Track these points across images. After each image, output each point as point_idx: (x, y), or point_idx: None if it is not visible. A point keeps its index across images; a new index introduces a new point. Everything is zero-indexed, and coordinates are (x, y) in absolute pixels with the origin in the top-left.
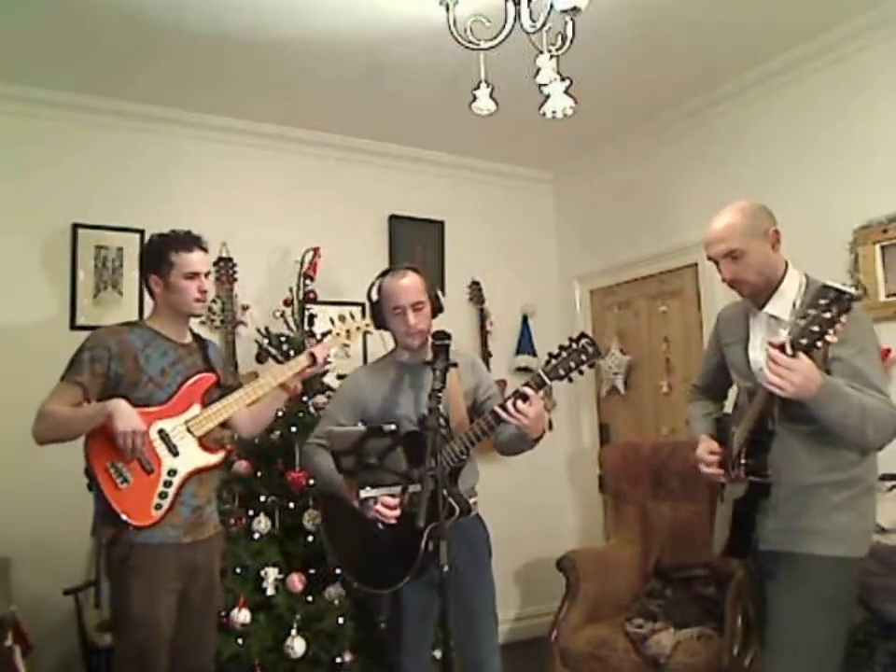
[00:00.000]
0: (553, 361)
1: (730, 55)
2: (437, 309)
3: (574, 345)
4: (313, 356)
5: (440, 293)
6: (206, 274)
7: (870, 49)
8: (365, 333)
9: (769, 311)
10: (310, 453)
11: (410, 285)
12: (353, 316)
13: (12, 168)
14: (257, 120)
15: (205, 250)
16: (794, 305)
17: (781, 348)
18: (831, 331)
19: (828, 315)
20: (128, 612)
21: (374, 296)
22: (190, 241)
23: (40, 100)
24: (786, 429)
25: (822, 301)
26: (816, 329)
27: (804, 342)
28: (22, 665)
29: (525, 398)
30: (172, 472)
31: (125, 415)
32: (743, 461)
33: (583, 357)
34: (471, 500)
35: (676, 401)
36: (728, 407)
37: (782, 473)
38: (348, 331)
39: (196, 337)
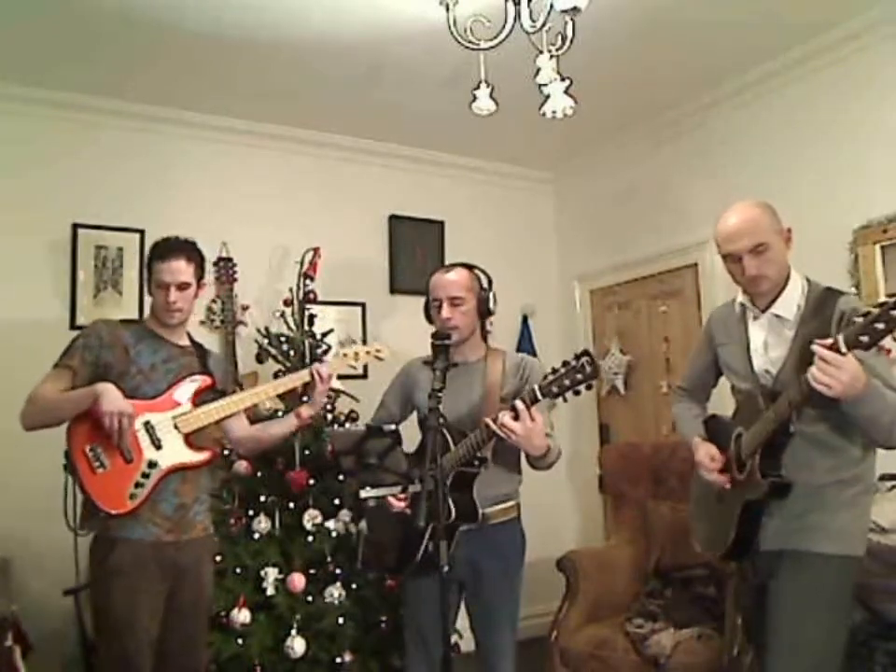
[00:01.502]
0: (550, 377)
1: (730, 55)
2: (485, 311)
3: (574, 363)
4: (312, 373)
5: (492, 296)
6: (182, 286)
7: (870, 48)
8: (377, 359)
9: (775, 311)
10: None
11: (452, 279)
12: (364, 342)
13: (12, 168)
14: (257, 120)
15: (187, 259)
16: (799, 307)
17: (832, 347)
18: None
19: None
20: (110, 614)
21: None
22: (167, 249)
23: (40, 100)
24: (797, 430)
25: (890, 300)
26: (881, 326)
27: (864, 339)
28: (22, 665)
29: (514, 412)
30: (152, 465)
31: (111, 397)
32: (758, 462)
33: (579, 377)
34: (503, 505)
35: None
36: (715, 409)
37: (791, 473)
38: (356, 353)
39: (195, 344)
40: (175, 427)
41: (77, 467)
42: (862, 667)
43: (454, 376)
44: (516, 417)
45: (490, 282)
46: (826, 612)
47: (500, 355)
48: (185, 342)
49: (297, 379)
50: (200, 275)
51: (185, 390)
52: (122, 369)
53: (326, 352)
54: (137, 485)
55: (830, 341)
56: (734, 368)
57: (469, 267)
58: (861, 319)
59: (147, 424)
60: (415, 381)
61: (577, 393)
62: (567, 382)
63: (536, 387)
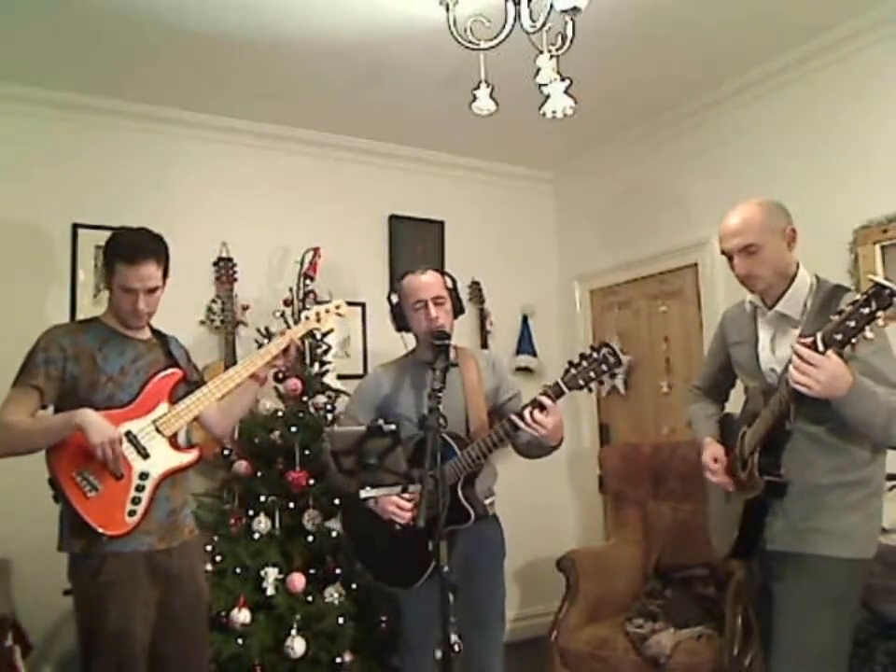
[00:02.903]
0: (573, 371)
1: (730, 55)
2: (458, 310)
3: (595, 354)
4: (285, 342)
5: (461, 296)
6: (151, 290)
7: (870, 49)
8: (339, 315)
9: (780, 310)
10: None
11: (431, 281)
12: (321, 301)
13: (12, 168)
14: (257, 120)
15: (157, 262)
16: (805, 305)
17: (811, 345)
18: (868, 328)
19: (866, 310)
20: (104, 628)
21: (394, 298)
22: (134, 252)
23: (40, 100)
24: (797, 429)
25: (860, 297)
26: (852, 324)
27: (838, 337)
28: (22, 665)
29: (542, 407)
30: (143, 476)
31: (97, 425)
32: (756, 460)
33: (604, 368)
34: (488, 500)
35: (676, 401)
36: (728, 408)
37: (793, 473)
38: (318, 314)
39: (156, 332)
40: (158, 431)
41: (69, 495)
42: (862, 667)
43: (431, 378)
44: (543, 412)
45: (455, 282)
46: (831, 615)
47: (469, 352)
48: (147, 334)
49: (266, 355)
50: (166, 271)
51: (158, 389)
52: (91, 379)
53: (326, 352)
54: (134, 501)
55: (810, 339)
56: (743, 366)
57: (436, 269)
58: (836, 317)
59: (128, 434)
60: (384, 387)
61: (601, 383)
62: (591, 374)
63: (560, 381)
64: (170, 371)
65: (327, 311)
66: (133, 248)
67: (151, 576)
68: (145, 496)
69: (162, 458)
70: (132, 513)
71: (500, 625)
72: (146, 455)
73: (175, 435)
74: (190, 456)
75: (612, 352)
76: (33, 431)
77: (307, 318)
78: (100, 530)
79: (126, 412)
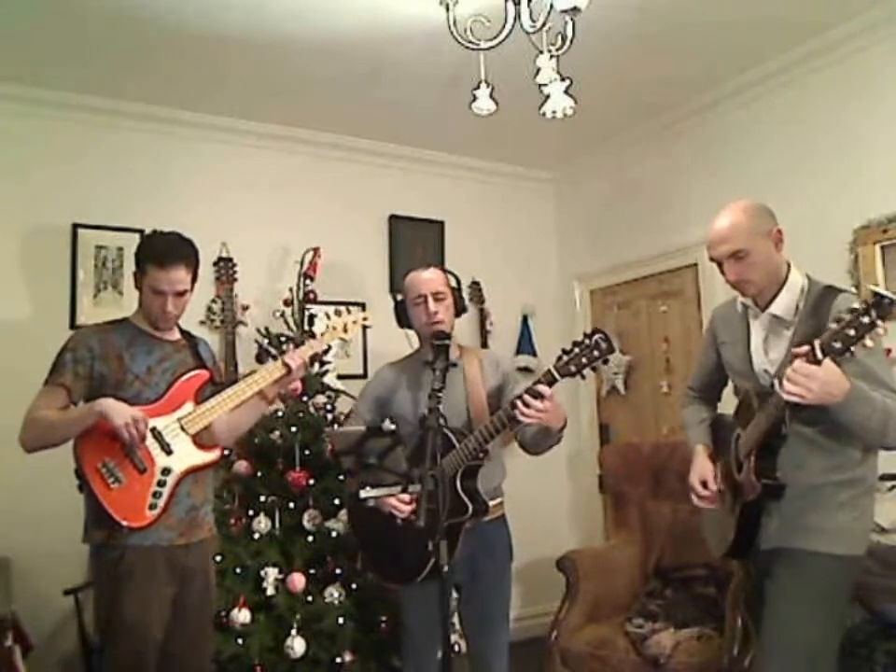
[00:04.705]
0: (565, 358)
1: (730, 55)
2: (460, 308)
3: (587, 341)
4: (287, 365)
5: (464, 296)
6: (180, 293)
7: (870, 49)
8: (364, 327)
9: (773, 311)
10: None
11: (431, 277)
12: (349, 311)
13: (12, 168)
14: (257, 120)
15: (187, 266)
16: (798, 306)
17: (809, 352)
18: (868, 336)
19: (866, 319)
20: (120, 618)
21: (399, 296)
22: (166, 256)
23: (40, 100)
24: (791, 431)
25: (860, 306)
26: (852, 332)
27: (837, 345)
28: (22, 665)
29: (538, 395)
30: (166, 471)
31: (117, 409)
32: (753, 464)
33: (596, 354)
34: (495, 501)
35: (676, 401)
36: (722, 409)
37: (787, 474)
38: (345, 325)
39: (185, 334)
40: (182, 429)
41: (93, 485)
42: (862, 667)
43: (431, 378)
44: (540, 399)
45: (459, 282)
46: (822, 611)
47: (473, 352)
48: (176, 335)
49: (276, 371)
50: (195, 275)
51: (185, 389)
52: (118, 378)
53: (326, 352)
54: (155, 495)
55: (807, 347)
56: (735, 367)
57: (440, 268)
58: (834, 325)
59: (154, 430)
60: (389, 385)
61: (594, 369)
62: (583, 360)
63: (552, 368)
64: (197, 371)
65: (354, 322)
66: (165, 252)
67: (169, 571)
68: (166, 490)
69: (185, 455)
70: (152, 507)
71: (505, 627)
72: (169, 452)
73: (199, 434)
74: (213, 455)
75: (605, 338)
76: (58, 422)
77: (334, 328)
78: (122, 522)
79: (152, 408)
